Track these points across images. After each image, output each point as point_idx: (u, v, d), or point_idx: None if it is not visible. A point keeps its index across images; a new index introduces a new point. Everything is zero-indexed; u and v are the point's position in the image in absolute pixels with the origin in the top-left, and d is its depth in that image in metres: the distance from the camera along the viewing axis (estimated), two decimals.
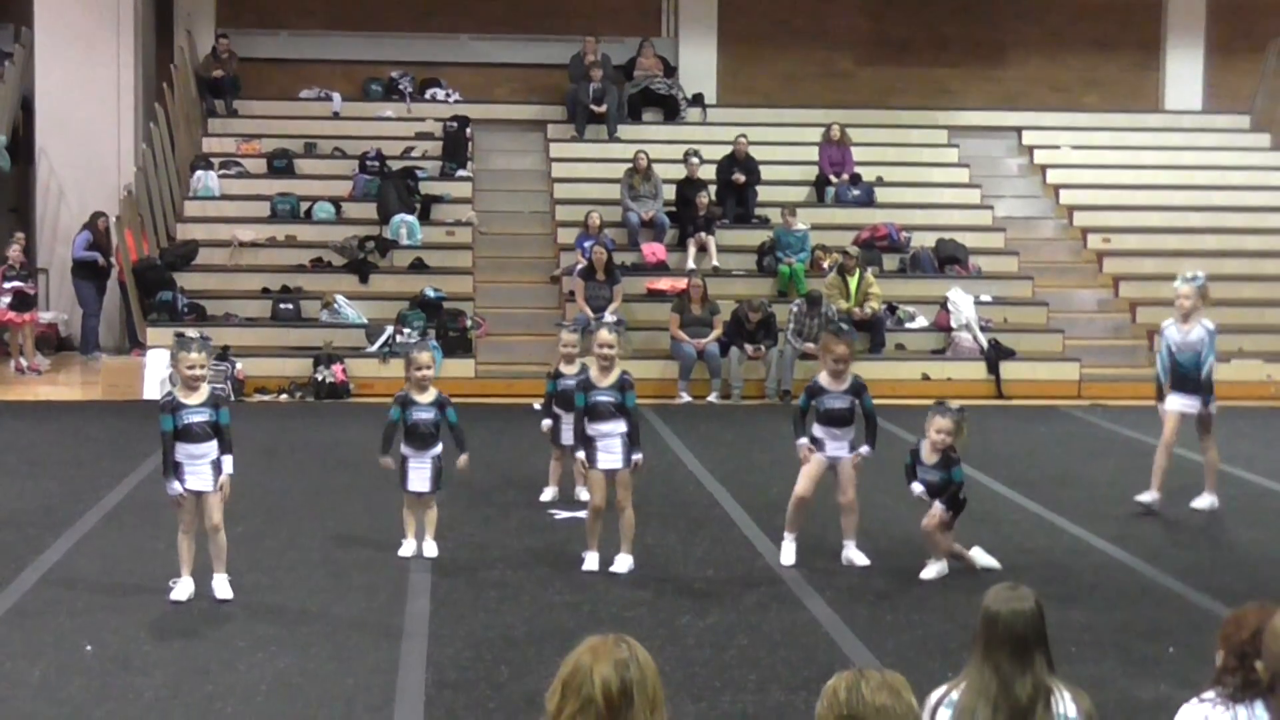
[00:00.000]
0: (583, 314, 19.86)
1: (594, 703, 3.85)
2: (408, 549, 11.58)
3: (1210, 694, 4.93)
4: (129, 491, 13.87)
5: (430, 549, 11.56)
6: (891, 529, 12.66)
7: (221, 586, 10.34)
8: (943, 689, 4.89)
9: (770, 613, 10.19)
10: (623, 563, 11.26)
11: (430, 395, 11.62)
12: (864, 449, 11.58)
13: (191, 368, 10.31)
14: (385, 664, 8.99)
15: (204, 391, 10.39)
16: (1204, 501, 13.84)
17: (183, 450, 10.32)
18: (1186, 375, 13.60)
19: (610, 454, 11.13)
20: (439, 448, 11.60)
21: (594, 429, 11.17)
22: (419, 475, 11.56)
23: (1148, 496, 13.64)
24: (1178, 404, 13.68)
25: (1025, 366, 21.59)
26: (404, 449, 11.58)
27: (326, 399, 20.12)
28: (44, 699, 8.33)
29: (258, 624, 9.73)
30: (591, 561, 11.29)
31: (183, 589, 10.28)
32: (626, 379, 11.21)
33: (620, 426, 11.15)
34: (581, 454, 11.29)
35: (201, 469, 10.32)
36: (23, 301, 21.85)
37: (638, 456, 11.21)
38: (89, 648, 9.17)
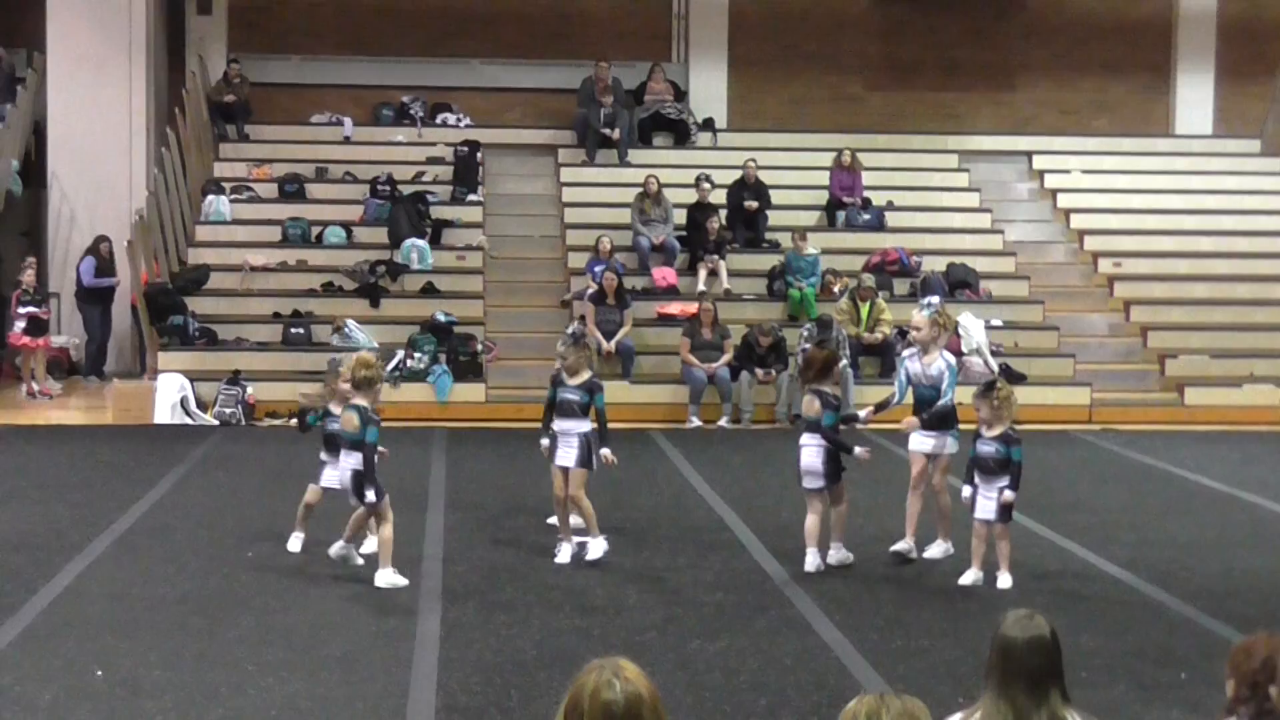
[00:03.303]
0: (578, 326, 19.91)
1: None
2: (295, 544, 12.25)
3: None
4: (140, 516, 13.87)
5: (355, 547, 11.95)
6: (904, 555, 12.62)
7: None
8: (956, 717, 4.87)
9: (781, 637, 10.17)
10: (596, 549, 12.13)
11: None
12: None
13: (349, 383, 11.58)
14: (395, 688, 8.97)
15: None
16: (937, 550, 12.49)
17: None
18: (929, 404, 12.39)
19: (567, 450, 12.11)
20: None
21: (558, 425, 12.18)
22: (331, 474, 12.06)
23: (902, 545, 12.43)
24: (921, 443, 12.42)
25: (1036, 391, 21.49)
26: (321, 454, 12.28)
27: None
28: None
29: (267, 648, 9.72)
30: (564, 555, 12.18)
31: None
32: (596, 381, 12.30)
33: (581, 425, 12.10)
34: (545, 441, 12.42)
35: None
36: (36, 326, 21.90)
37: (605, 451, 12.19)
38: (99, 672, 9.16)
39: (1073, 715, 4.81)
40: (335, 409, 12.02)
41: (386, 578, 11.38)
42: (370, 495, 11.29)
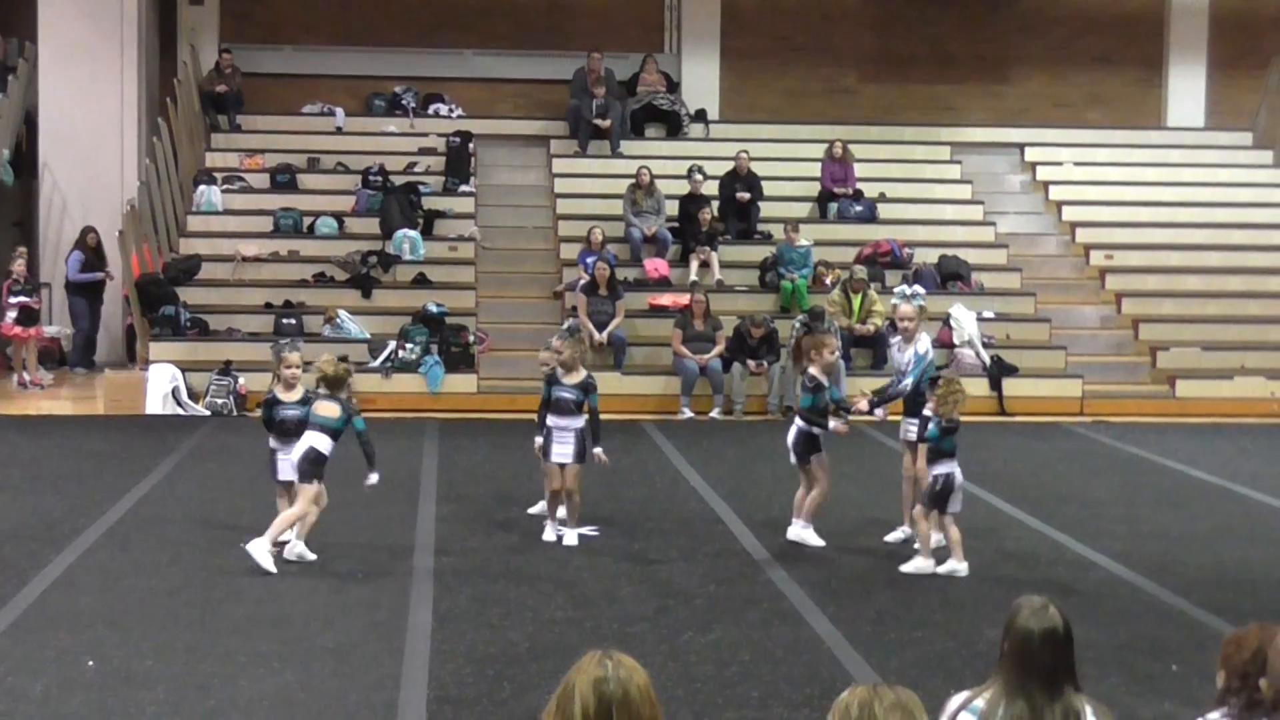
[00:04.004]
0: (573, 321, 19.98)
1: None
2: (285, 535, 12.20)
3: (1215, 714, 4.92)
4: (131, 507, 13.86)
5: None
6: (892, 545, 12.64)
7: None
8: (965, 694, 4.84)
9: (772, 629, 10.18)
10: (570, 536, 12.54)
11: (297, 394, 12.35)
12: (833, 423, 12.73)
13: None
14: (387, 680, 8.97)
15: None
16: (897, 534, 12.69)
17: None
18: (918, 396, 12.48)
19: (564, 446, 12.48)
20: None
21: (553, 421, 12.53)
22: (286, 465, 12.18)
23: (898, 534, 12.70)
24: (907, 431, 12.61)
25: (1028, 383, 21.59)
26: (271, 443, 12.30)
27: None
28: (46, 714, 8.32)
29: (259, 640, 9.72)
30: (550, 533, 12.65)
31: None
32: (591, 381, 12.68)
33: (577, 422, 12.51)
34: (539, 440, 12.66)
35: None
36: (28, 316, 21.86)
37: (597, 450, 12.61)
38: (90, 663, 9.15)
39: (1083, 702, 4.79)
40: (282, 395, 12.37)
41: (260, 548, 11.47)
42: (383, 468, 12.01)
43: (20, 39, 25.50)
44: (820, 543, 12.50)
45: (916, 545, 12.42)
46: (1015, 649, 4.78)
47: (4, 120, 24.47)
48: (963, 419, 12.02)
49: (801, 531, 12.60)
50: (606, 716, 3.81)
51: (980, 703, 4.79)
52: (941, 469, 11.82)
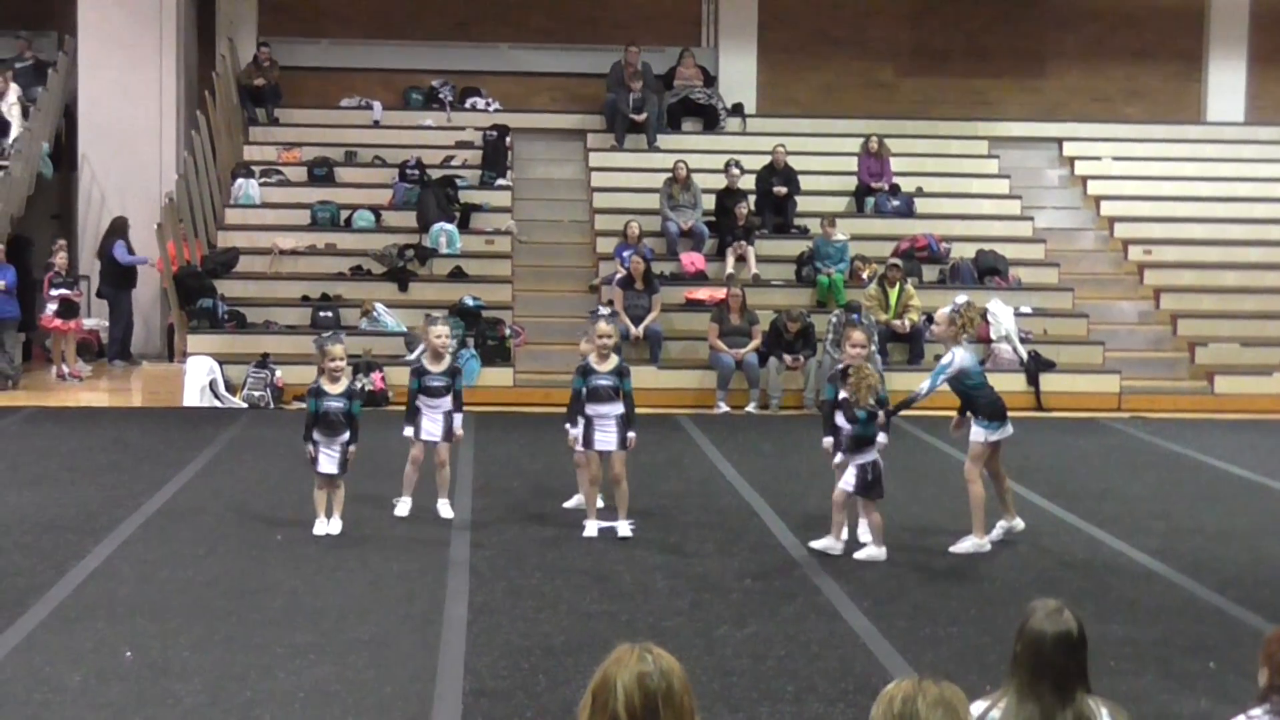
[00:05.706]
0: (603, 307, 19.99)
1: (618, 715, 3.83)
2: (320, 528, 12.42)
3: (1257, 711, 4.90)
4: (169, 498, 13.92)
5: (336, 526, 12.44)
6: (928, 540, 12.62)
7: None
8: (983, 705, 4.83)
9: (808, 623, 10.16)
10: (624, 527, 12.49)
11: (341, 386, 12.56)
12: (880, 438, 12.23)
13: (440, 337, 13.07)
14: (423, 672, 8.99)
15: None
16: (967, 544, 12.32)
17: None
18: (967, 400, 12.56)
19: (606, 434, 12.41)
20: (347, 435, 12.48)
21: (592, 410, 12.38)
22: (328, 459, 12.43)
23: (1001, 526, 12.56)
24: (978, 433, 12.42)
25: (1065, 378, 21.51)
26: (315, 435, 12.43)
27: (365, 407, 20.09)
28: (84, 704, 8.36)
29: (296, 632, 9.75)
30: (592, 529, 12.52)
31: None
32: (624, 366, 12.65)
33: (617, 408, 12.41)
34: (576, 431, 12.52)
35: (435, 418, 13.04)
36: (68, 308, 21.99)
37: (632, 435, 12.53)
38: (128, 654, 9.19)
39: (1099, 708, 4.77)
40: (326, 388, 12.51)
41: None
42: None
43: (60, 33, 25.65)
44: (866, 539, 12.31)
45: (956, 549, 12.29)
46: (1027, 652, 4.76)
47: (44, 114, 24.61)
48: (874, 401, 12.07)
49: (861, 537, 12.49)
50: (652, 710, 3.80)
51: (996, 713, 4.77)
52: (867, 457, 11.97)
